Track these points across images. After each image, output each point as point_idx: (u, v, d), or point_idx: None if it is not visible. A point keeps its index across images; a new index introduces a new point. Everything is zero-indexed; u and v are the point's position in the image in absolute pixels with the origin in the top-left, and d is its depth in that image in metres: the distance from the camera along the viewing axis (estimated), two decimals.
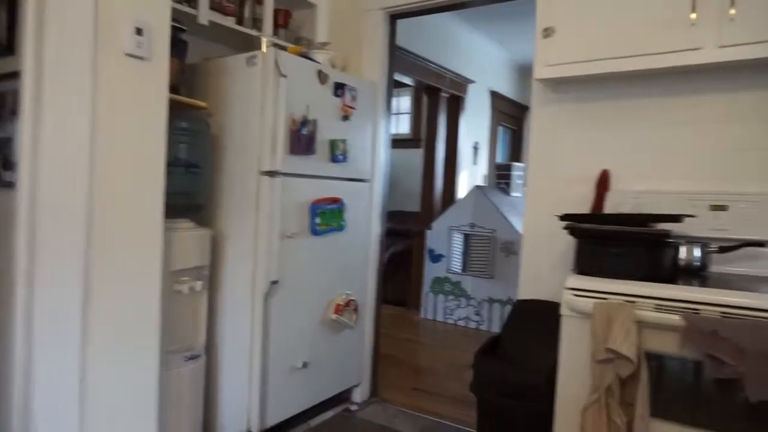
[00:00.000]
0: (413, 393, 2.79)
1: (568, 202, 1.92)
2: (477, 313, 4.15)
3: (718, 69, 1.65)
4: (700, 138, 1.75)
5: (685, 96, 1.77)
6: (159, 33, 1.63)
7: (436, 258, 4.35)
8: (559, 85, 1.96)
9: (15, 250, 1.41)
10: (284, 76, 1.96)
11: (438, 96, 4.69)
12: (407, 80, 4.39)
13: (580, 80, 1.88)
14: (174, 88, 1.81)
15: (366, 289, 2.57)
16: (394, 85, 2.76)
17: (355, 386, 2.58)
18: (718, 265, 1.61)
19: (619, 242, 1.45)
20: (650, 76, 1.79)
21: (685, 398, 1.29)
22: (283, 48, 2.11)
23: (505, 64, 5.78)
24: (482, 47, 5.22)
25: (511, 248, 3.97)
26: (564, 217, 1.61)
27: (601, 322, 1.33)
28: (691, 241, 1.56)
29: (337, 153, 2.26)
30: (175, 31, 1.81)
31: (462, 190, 4.99)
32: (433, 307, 4.38)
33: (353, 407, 2.54)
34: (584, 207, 1.89)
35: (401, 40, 3.00)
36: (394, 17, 2.63)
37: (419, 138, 5.59)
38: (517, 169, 4.61)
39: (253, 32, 2.20)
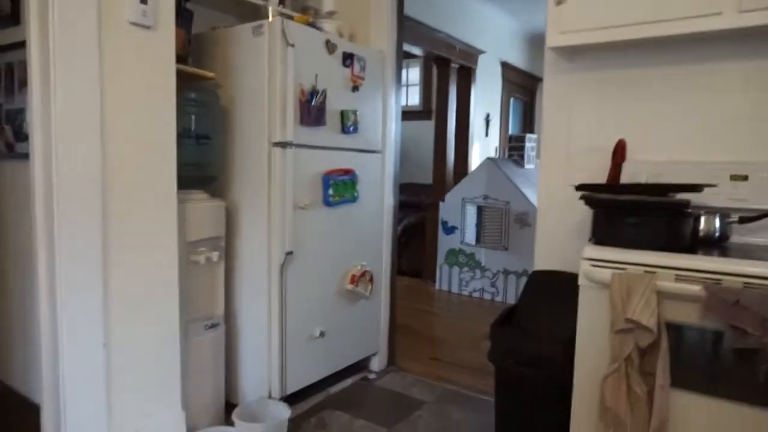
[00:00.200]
0: (430, 362, 2.81)
1: (582, 173, 1.88)
2: (492, 285, 4.15)
3: (737, 35, 1.58)
4: (719, 107, 1.68)
5: (703, 63, 1.70)
6: (164, 1, 1.62)
7: (449, 230, 4.34)
8: (572, 53, 1.91)
9: (33, 220, 1.43)
10: (292, 45, 1.94)
11: (448, 67, 4.62)
12: (416, 51, 4.32)
13: (594, 48, 1.82)
14: (181, 59, 1.80)
15: (381, 260, 2.58)
16: (403, 57, 2.72)
17: (373, 355, 2.60)
18: (739, 236, 1.56)
19: (637, 212, 1.41)
20: (667, 43, 1.72)
21: (705, 368, 1.28)
22: (290, 17, 2.08)
23: (516, 34, 5.67)
24: (493, 17, 5.11)
25: (525, 220, 3.94)
26: (580, 187, 1.58)
27: (620, 292, 1.32)
28: (711, 211, 1.52)
29: (347, 124, 2.24)
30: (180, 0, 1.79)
31: (474, 162, 4.95)
32: (448, 278, 4.39)
33: (371, 376, 2.57)
34: (599, 177, 1.85)
35: (409, 10, 2.94)
36: None
37: (430, 110, 5.55)
38: (531, 141, 4.55)
39: (260, 1, 2.18)
